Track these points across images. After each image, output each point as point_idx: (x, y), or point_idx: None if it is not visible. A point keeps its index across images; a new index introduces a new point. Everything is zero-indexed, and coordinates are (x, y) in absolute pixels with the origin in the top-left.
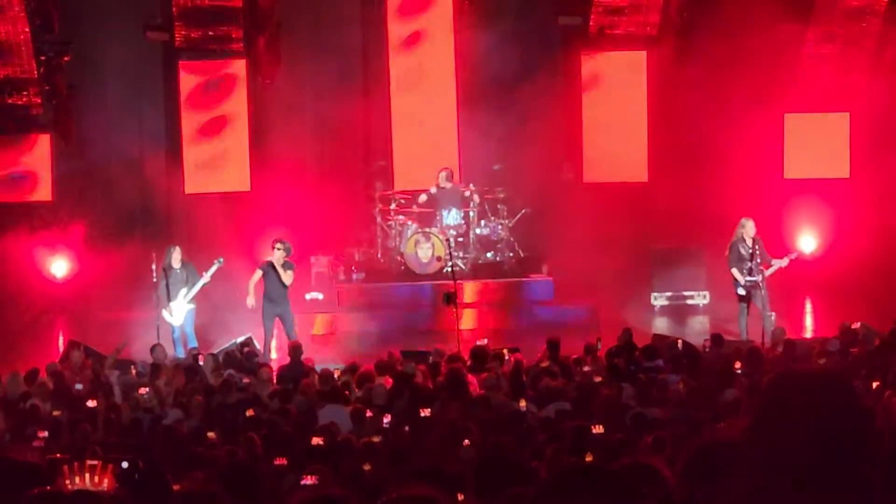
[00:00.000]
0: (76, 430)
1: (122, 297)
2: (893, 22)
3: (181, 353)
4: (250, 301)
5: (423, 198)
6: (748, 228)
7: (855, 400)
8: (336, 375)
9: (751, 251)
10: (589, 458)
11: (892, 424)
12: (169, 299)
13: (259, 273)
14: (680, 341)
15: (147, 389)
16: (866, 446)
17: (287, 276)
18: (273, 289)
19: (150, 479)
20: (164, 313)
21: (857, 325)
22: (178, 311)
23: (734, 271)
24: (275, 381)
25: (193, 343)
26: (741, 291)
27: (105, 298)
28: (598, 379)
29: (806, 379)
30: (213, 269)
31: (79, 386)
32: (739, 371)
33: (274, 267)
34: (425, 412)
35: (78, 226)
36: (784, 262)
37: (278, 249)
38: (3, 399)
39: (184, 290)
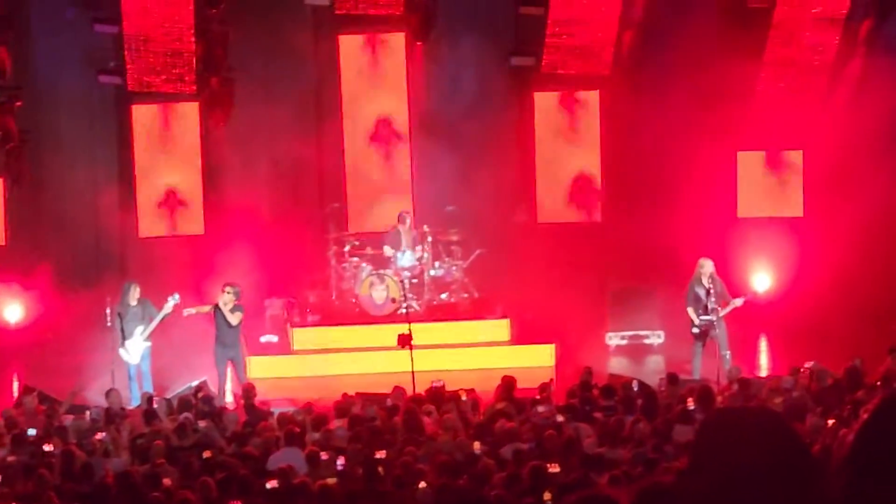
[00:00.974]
0: (32, 475)
1: (78, 340)
2: (846, 59)
3: (136, 392)
4: (188, 310)
5: (389, 251)
6: (706, 268)
7: (791, 436)
8: (293, 418)
9: (707, 291)
10: (547, 497)
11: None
12: (125, 337)
13: (208, 307)
14: (635, 381)
15: (104, 434)
16: (807, 483)
17: (233, 318)
18: (223, 333)
19: None
20: (121, 351)
21: (809, 365)
22: (135, 350)
23: (689, 311)
24: (231, 423)
25: (149, 381)
26: (695, 331)
27: (60, 342)
28: (555, 419)
29: (740, 417)
30: (170, 304)
31: (32, 431)
32: (692, 409)
33: (221, 310)
34: (380, 454)
35: (32, 270)
36: (739, 301)
37: (227, 293)
38: None
39: (140, 328)
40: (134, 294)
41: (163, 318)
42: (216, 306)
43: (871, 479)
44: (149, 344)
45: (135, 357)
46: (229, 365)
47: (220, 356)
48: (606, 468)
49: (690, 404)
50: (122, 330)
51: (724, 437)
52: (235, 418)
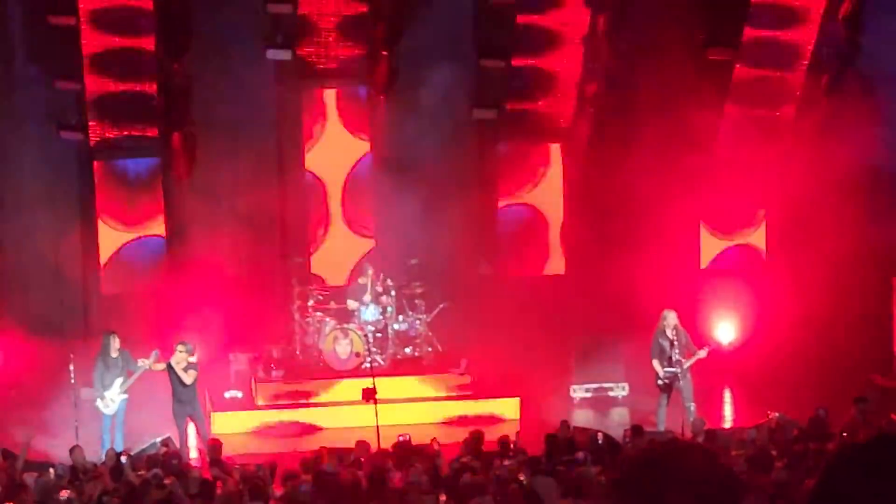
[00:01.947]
0: None
1: (41, 396)
2: (806, 112)
3: (108, 442)
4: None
5: (353, 304)
6: (669, 320)
7: (722, 470)
8: (256, 473)
9: (671, 342)
10: None
11: None
12: (104, 388)
13: (162, 366)
14: (600, 433)
15: (68, 492)
16: None
17: (187, 377)
18: (179, 390)
19: None
20: (98, 402)
21: (774, 415)
22: (112, 401)
23: (654, 363)
24: (196, 480)
25: (121, 433)
26: (660, 383)
27: (23, 398)
28: (518, 474)
29: (667, 455)
30: (150, 360)
31: None
32: None
33: (174, 368)
34: None
35: None
36: (702, 353)
37: (179, 352)
38: None
39: (119, 380)
40: (114, 345)
41: (142, 373)
42: (169, 365)
43: None
44: (126, 396)
45: (112, 408)
46: (189, 421)
47: (178, 413)
48: None
49: None
50: (102, 381)
51: (652, 474)
52: (199, 475)
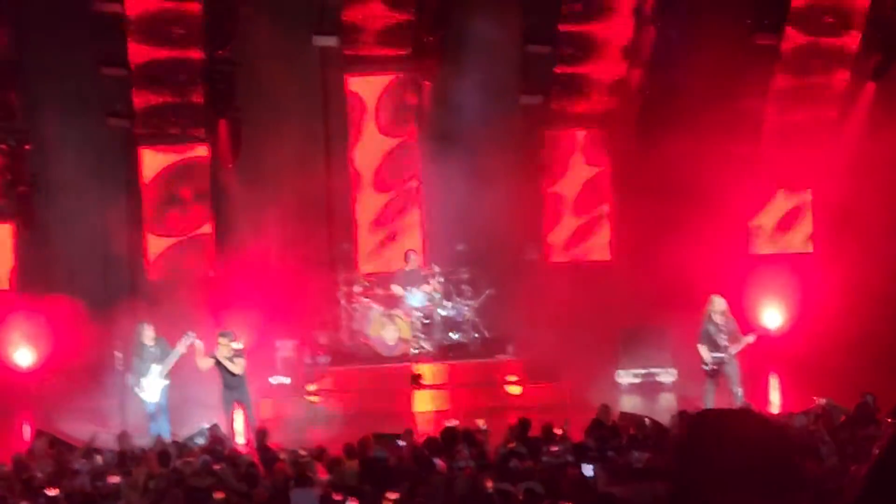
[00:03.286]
0: None
1: (88, 383)
2: (853, 97)
3: (154, 430)
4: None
5: (399, 291)
6: (717, 305)
7: (779, 436)
8: (305, 459)
9: (718, 328)
10: None
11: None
12: (142, 376)
13: (211, 361)
14: (647, 419)
15: (118, 478)
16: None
17: (235, 367)
18: (227, 378)
19: None
20: (138, 390)
21: (821, 401)
22: (153, 388)
23: (701, 349)
24: (244, 465)
25: (167, 418)
26: (707, 368)
27: (71, 386)
28: (567, 458)
29: (721, 418)
30: (186, 342)
31: (40, 475)
32: None
33: (221, 362)
34: (392, 496)
35: (42, 314)
36: (750, 339)
37: (221, 344)
38: None
39: (157, 367)
40: (147, 334)
41: (179, 357)
42: (215, 358)
43: None
44: (167, 382)
45: (153, 395)
46: (237, 407)
47: (226, 399)
48: None
49: None
50: (139, 369)
51: (710, 439)
52: (248, 460)
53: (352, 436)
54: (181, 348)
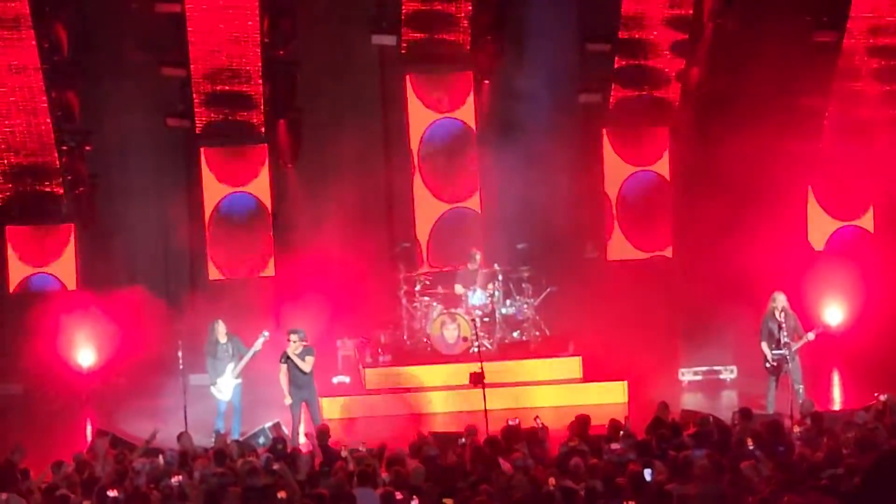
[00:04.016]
0: None
1: (150, 384)
2: None
3: (222, 427)
4: (288, 399)
5: (460, 289)
6: (778, 302)
7: None
8: (367, 458)
9: (779, 325)
10: None
11: None
12: (217, 374)
13: (284, 367)
14: (710, 417)
15: (180, 477)
16: None
17: (305, 364)
18: (296, 375)
19: None
20: (212, 389)
21: (884, 397)
22: (226, 387)
23: (763, 346)
24: (305, 464)
25: (239, 417)
26: (768, 365)
27: (132, 386)
28: (628, 456)
29: None
30: (260, 341)
31: (101, 475)
32: (752, 447)
33: (290, 357)
34: (448, 502)
35: (103, 314)
36: (811, 335)
37: (293, 341)
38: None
39: (231, 365)
40: (221, 331)
41: (253, 356)
42: (287, 357)
43: None
44: (240, 381)
45: (226, 394)
46: (303, 406)
47: (294, 397)
48: None
49: (750, 444)
50: (214, 368)
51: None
52: (309, 460)
53: (412, 435)
54: (257, 347)
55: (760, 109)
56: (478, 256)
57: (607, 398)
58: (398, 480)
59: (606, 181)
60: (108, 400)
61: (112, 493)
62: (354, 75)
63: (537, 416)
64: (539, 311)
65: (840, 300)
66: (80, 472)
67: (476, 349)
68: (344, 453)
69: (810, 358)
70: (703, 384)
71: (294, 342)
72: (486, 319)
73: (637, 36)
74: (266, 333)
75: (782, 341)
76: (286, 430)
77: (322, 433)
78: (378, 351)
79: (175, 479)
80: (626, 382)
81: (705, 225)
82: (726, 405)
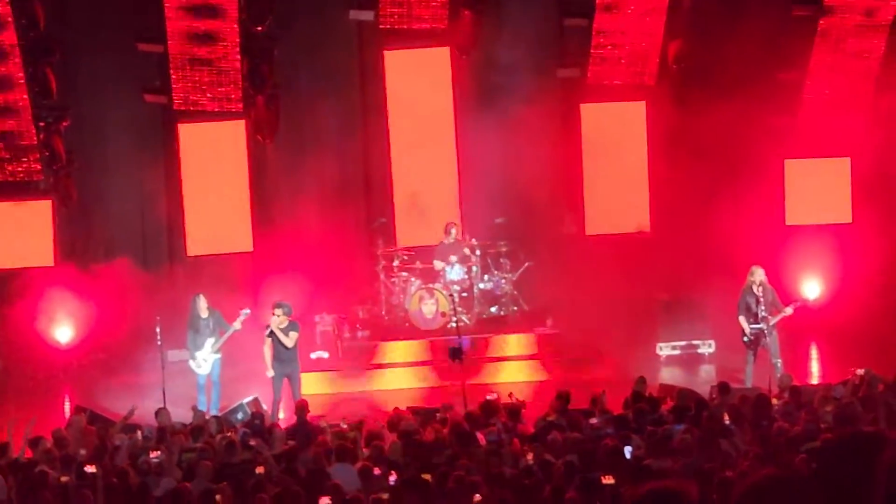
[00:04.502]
0: (77, 497)
1: (127, 360)
2: (891, 66)
3: (204, 403)
4: (270, 372)
5: (438, 265)
6: (756, 276)
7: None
8: (345, 433)
9: (757, 299)
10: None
11: None
12: (196, 349)
13: (268, 341)
14: (687, 390)
15: (159, 453)
16: None
17: (288, 340)
18: (279, 350)
19: None
20: (191, 363)
21: (860, 371)
22: (205, 361)
23: (741, 320)
24: (283, 440)
25: (218, 392)
26: (746, 340)
27: (110, 362)
28: (606, 430)
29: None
30: (242, 317)
31: (82, 451)
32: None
33: (275, 333)
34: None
35: (81, 290)
36: (789, 310)
37: (276, 315)
38: (13, 465)
39: (211, 340)
40: (202, 305)
41: (232, 333)
42: (270, 331)
43: None
44: (219, 355)
45: (205, 368)
46: (284, 381)
47: (276, 372)
48: (657, 479)
49: (727, 419)
50: (193, 342)
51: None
52: (285, 435)
53: (390, 410)
54: (237, 325)
55: (739, 84)
56: (455, 230)
57: (585, 373)
58: (377, 455)
59: (584, 155)
60: (87, 376)
61: (90, 469)
62: (332, 51)
63: (511, 393)
64: (517, 286)
65: (817, 274)
66: (59, 448)
67: (454, 324)
68: (323, 424)
69: (788, 332)
70: (681, 358)
71: (278, 316)
72: (464, 294)
73: (615, 10)
74: (247, 311)
75: (760, 315)
76: (265, 406)
77: (300, 408)
78: (356, 326)
79: (154, 455)
80: (603, 357)
81: (684, 199)
82: (704, 379)
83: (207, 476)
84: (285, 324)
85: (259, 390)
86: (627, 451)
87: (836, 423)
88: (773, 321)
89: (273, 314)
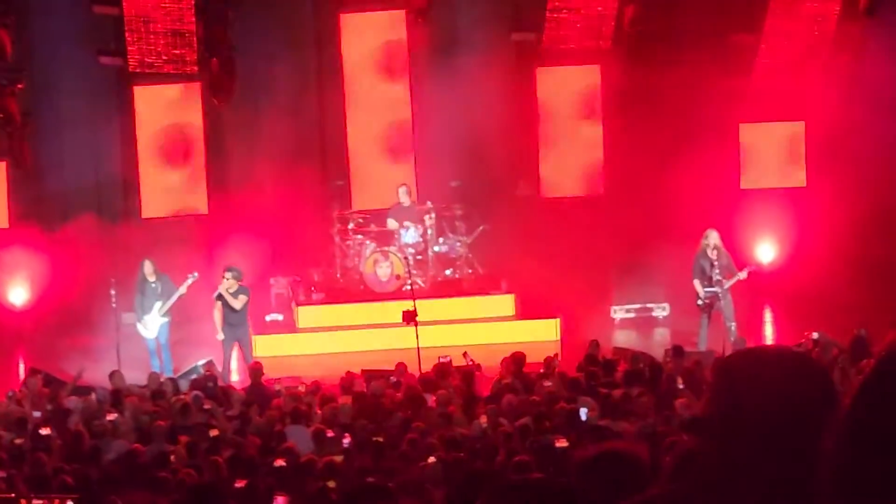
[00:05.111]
0: (31, 458)
1: (82, 322)
2: (846, 30)
3: (157, 366)
4: (220, 335)
5: (393, 226)
6: (711, 239)
7: (816, 369)
8: (300, 395)
9: (711, 263)
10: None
11: None
12: (143, 312)
13: (218, 304)
14: (641, 354)
15: (115, 415)
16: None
17: (237, 302)
18: (228, 314)
19: None
20: (139, 326)
21: (815, 335)
22: (153, 324)
23: (695, 283)
24: (237, 403)
25: (168, 355)
26: (700, 303)
27: (65, 324)
28: (561, 393)
29: (760, 356)
30: (188, 282)
31: (36, 414)
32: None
33: (224, 296)
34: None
35: (35, 252)
36: (743, 274)
37: (226, 279)
38: None
39: (158, 304)
40: (150, 270)
41: (180, 296)
42: (219, 294)
43: (868, 449)
44: (167, 319)
45: (152, 331)
46: (235, 345)
47: (226, 336)
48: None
49: (680, 383)
50: (141, 306)
51: (743, 380)
52: (241, 398)
53: (344, 372)
54: (183, 289)
55: (694, 48)
56: (406, 191)
57: (540, 335)
58: (330, 418)
59: (540, 118)
60: (41, 338)
61: (45, 431)
62: (288, 13)
63: (466, 353)
64: (472, 249)
65: (772, 238)
66: (13, 411)
67: (409, 287)
68: (277, 387)
69: (743, 295)
70: (636, 322)
71: (227, 279)
72: (418, 257)
73: None
74: (195, 274)
75: (714, 279)
76: (219, 368)
77: (255, 371)
78: (311, 289)
79: (109, 418)
80: (558, 320)
81: (639, 163)
82: (658, 343)
83: (162, 438)
84: (234, 288)
85: (211, 353)
86: (583, 412)
87: None
88: (727, 284)
89: (223, 278)
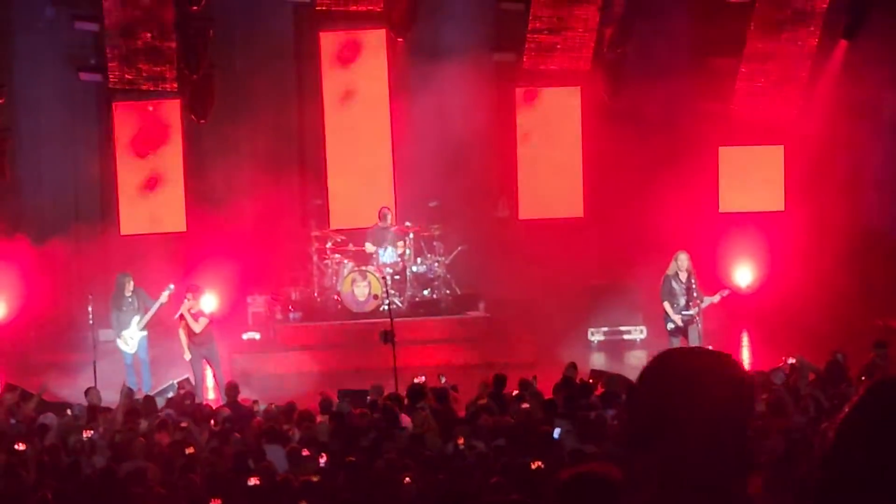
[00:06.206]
0: (9, 475)
1: (59, 339)
2: (826, 54)
3: (134, 382)
4: (187, 355)
5: (371, 248)
6: (681, 262)
7: (736, 369)
8: (275, 415)
9: (685, 285)
10: None
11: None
12: (122, 327)
13: (183, 323)
14: (617, 376)
15: (92, 432)
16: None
17: (197, 325)
18: (192, 333)
19: None
20: (118, 342)
21: (793, 360)
22: (132, 339)
23: (665, 305)
24: (213, 421)
25: (147, 370)
26: (670, 326)
27: (42, 341)
28: (537, 415)
29: (669, 361)
30: (165, 294)
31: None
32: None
33: (186, 318)
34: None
35: (13, 267)
36: (715, 298)
37: (187, 299)
38: None
39: (136, 318)
40: (128, 286)
41: (157, 309)
42: (179, 314)
43: (851, 476)
44: (145, 333)
45: (132, 346)
46: (205, 363)
47: (193, 355)
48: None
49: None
50: (119, 321)
51: (656, 383)
52: (216, 416)
53: (321, 392)
54: (162, 299)
55: (673, 70)
56: (388, 215)
57: (516, 357)
58: (306, 437)
59: (519, 139)
60: (18, 353)
61: (20, 447)
62: (268, 32)
63: (441, 375)
64: (450, 270)
65: (750, 262)
66: None
67: (386, 307)
68: (257, 408)
69: (719, 319)
70: (613, 344)
71: (188, 300)
72: (396, 277)
73: None
74: (171, 286)
75: (689, 302)
76: (194, 386)
77: (231, 390)
78: (289, 308)
79: (86, 434)
80: (534, 341)
81: (617, 185)
82: (635, 365)
83: (139, 456)
84: (196, 308)
85: (187, 370)
86: (556, 432)
87: (768, 411)
88: (703, 304)
89: (185, 298)
